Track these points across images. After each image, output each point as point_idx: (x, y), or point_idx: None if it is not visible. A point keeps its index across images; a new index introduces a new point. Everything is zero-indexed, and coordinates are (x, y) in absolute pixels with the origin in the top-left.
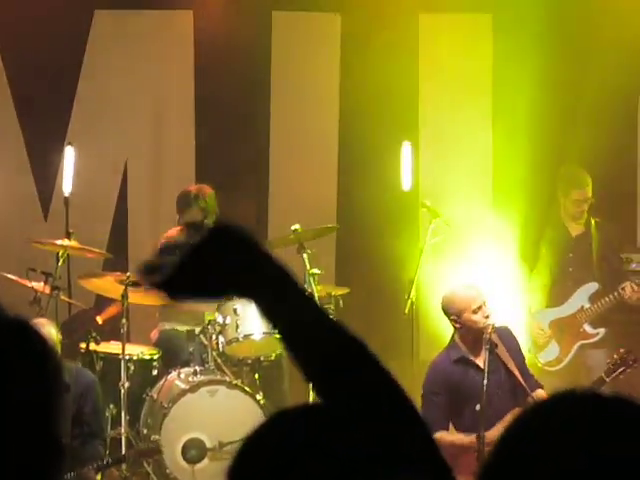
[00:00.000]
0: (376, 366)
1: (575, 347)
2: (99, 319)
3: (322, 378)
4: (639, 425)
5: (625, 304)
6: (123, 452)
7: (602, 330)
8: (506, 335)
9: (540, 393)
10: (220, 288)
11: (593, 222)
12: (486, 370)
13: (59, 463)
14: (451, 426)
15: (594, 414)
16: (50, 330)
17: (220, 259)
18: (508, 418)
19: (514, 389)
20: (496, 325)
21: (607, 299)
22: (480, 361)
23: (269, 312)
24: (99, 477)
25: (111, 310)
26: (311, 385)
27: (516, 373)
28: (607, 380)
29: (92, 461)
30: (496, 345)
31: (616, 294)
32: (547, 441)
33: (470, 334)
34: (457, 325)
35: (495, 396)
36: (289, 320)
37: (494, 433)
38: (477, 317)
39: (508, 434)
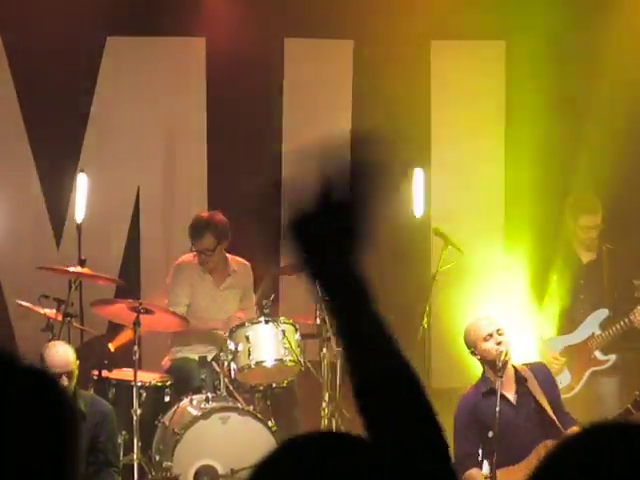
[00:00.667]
0: (425, 408)
1: (586, 374)
2: (111, 346)
3: (372, 405)
4: None
5: (635, 331)
6: None
7: (613, 357)
8: (539, 370)
9: (575, 430)
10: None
11: (604, 248)
12: (498, 396)
13: None
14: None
15: (624, 445)
16: (67, 350)
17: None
18: (532, 456)
19: (544, 424)
20: (523, 361)
21: (618, 326)
22: (510, 393)
23: (344, 314)
24: None
25: (123, 337)
26: (358, 407)
27: (547, 408)
28: (634, 412)
29: None
30: (526, 379)
31: (627, 320)
32: (577, 475)
33: (489, 365)
34: (477, 357)
35: (523, 429)
36: (359, 330)
37: (513, 471)
38: (488, 345)
39: (540, 468)
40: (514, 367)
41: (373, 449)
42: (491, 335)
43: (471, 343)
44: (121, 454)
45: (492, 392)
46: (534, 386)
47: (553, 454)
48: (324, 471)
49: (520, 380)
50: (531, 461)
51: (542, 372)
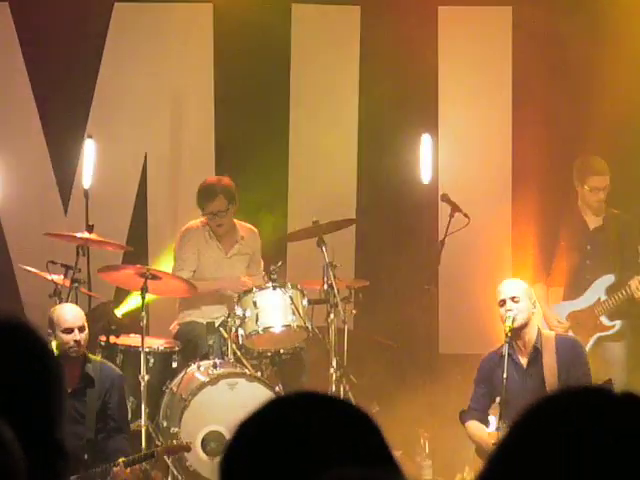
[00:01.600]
0: None
1: (592, 340)
2: (118, 312)
3: None
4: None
5: (635, 298)
6: (152, 449)
7: (619, 322)
8: (566, 345)
9: None
10: None
11: (611, 214)
12: (505, 363)
13: (59, 464)
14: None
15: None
16: (77, 307)
17: None
18: None
19: None
20: (559, 333)
21: (623, 292)
22: (523, 359)
23: None
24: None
25: (130, 303)
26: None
27: (548, 385)
28: None
29: (117, 455)
30: (541, 350)
31: (627, 289)
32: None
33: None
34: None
35: (527, 397)
36: None
37: None
38: (501, 310)
39: (511, 431)
40: (540, 333)
41: (351, 407)
42: (504, 302)
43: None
44: (129, 418)
45: (509, 356)
46: (549, 359)
47: (515, 423)
48: (305, 426)
49: (535, 349)
50: None
51: (567, 348)
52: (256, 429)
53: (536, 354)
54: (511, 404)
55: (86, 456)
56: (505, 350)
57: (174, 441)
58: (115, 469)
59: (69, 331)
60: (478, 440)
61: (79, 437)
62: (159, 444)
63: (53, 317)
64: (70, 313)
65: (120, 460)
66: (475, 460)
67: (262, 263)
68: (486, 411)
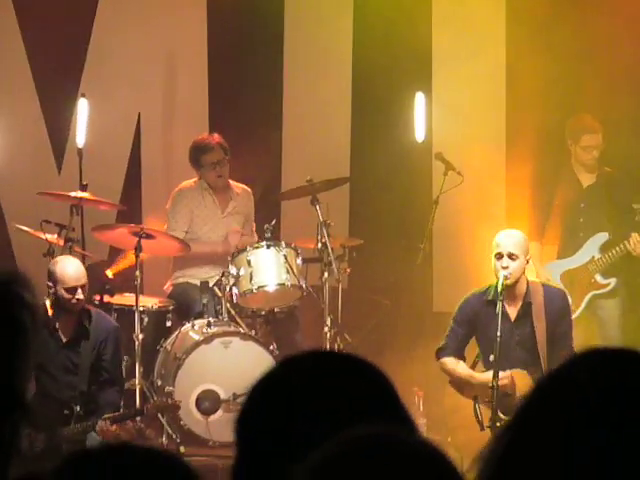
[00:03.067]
0: None
1: (587, 298)
2: (109, 272)
3: None
4: None
5: (633, 255)
6: (141, 406)
7: (613, 280)
8: (555, 298)
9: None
10: None
11: (604, 172)
12: (499, 320)
13: (17, 414)
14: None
15: (612, 371)
16: (79, 264)
17: None
18: (509, 372)
19: (531, 352)
20: (548, 284)
21: (615, 250)
22: (512, 310)
23: None
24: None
25: (121, 263)
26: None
27: (540, 339)
28: None
29: (108, 408)
30: (531, 303)
31: (622, 246)
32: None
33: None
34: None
35: (514, 351)
36: None
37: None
38: (497, 263)
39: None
40: (529, 284)
41: (365, 366)
42: (501, 255)
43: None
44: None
45: (494, 304)
46: (539, 311)
47: (534, 389)
48: (319, 386)
49: (526, 302)
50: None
51: (556, 300)
52: (271, 388)
53: (526, 307)
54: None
55: (78, 408)
56: (499, 307)
57: (163, 399)
58: (100, 424)
59: (72, 290)
60: (456, 375)
61: (72, 388)
62: (151, 403)
63: (56, 272)
64: (74, 271)
65: (106, 416)
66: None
67: (254, 225)
68: (462, 351)
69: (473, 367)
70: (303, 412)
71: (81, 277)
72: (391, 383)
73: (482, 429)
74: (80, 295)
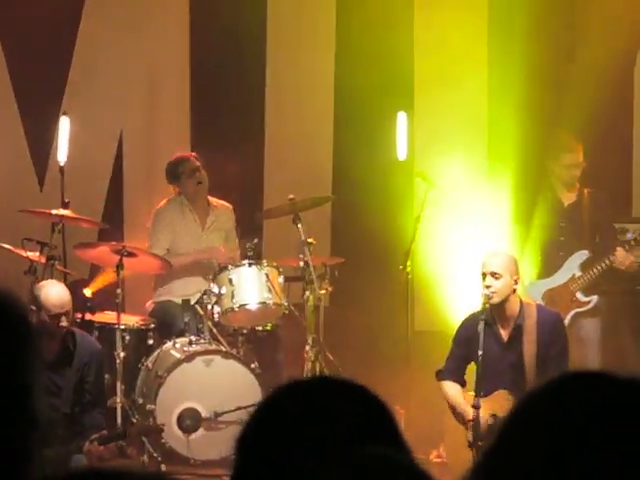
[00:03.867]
0: None
1: (569, 316)
2: (87, 291)
3: None
4: None
5: (615, 272)
6: (125, 427)
7: (595, 298)
8: (548, 320)
9: None
10: None
11: (585, 191)
12: (481, 341)
13: (32, 434)
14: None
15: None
16: (64, 290)
17: None
18: (494, 396)
19: (520, 374)
20: (543, 306)
21: (598, 267)
22: (504, 332)
23: None
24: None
25: (100, 281)
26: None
27: (529, 362)
28: None
29: (92, 430)
30: (522, 326)
31: (607, 261)
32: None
33: None
34: None
35: (505, 373)
36: None
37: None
38: (482, 284)
39: (511, 417)
40: (523, 305)
41: (367, 393)
42: (485, 275)
43: None
44: None
45: (487, 324)
46: (530, 334)
47: (516, 407)
48: (316, 412)
49: (517, 324)
50: (486, 402)
51: (548, 322)
52: (272, 411)
53: (518, 328)
54: (488, 377)
55: (61, 430)
56: (481, 327)
57: (147, 421)
58: (88, 446)
59: (55, 317)
60: (452, 401)
61: (55, 410)
62: (134, 421)
63: (40, 298)
64: (58, 299)
65: (92, 438)
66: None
67: (237, 241)
68: (461, 372)
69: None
70: (298, 438)
71: (65, 304)
72: (389, 409)
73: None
74: (64, 322)
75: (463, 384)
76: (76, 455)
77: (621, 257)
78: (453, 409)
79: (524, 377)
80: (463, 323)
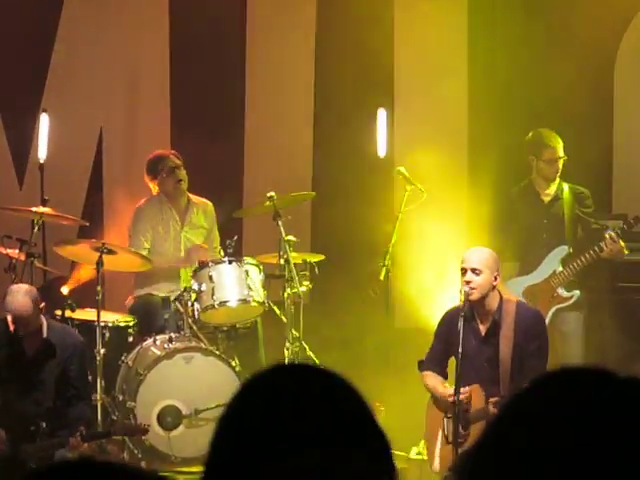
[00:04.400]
0: None
1: (550, 312)
2: (65, 289)
3: None
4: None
5: (601, 264)
6: (109, 427)
7: (577, 292)
8: (527, 318)
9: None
10: None
11: (566, 187)
12: (461, 337)
13: None
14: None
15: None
16: (27, 297)
17: None
18: (469, 389)
19: (495, 370)
20: (520, 302)
21: (586, 256)
22: (483, 327)
23: None
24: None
25: (76, 278)
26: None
27: (505, 359)
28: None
29: (79, 422)
30: (500, 323)
31: (596, 249)
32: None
33: None
34: None
35: (482, 368)
36: None
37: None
38: (461, 279)
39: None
40: (502, 302)
41: (329, 375)
42: (465, 271)
43: None
44: None
45: (467, 319)
46: (507, 330)
47: (503, 411)
48: (285, 402)
49: (495, 318)
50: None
51: (527, 319)
52: (249, 397)
53: (495, 324)
54: (466, 372)
55: (44, 424)
56: (460, 324)
57: (128, 418)
58: (72, 440)
59: (13, 320)
60: (432, 390)
61: (38, 404)
62: (115, 418)
63: (6, 300)
64: (17, 306)
65: (78, 433)
66: (430, 408)
67: (218, 239)
68: (443, 365)
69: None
70: (271, 430)
71: (23, 311)
72: (362, 397)
73: (447, 443)
74: (20, 328)
75: (445, 376)
76: (60, 450)
77: (611, 242)
78: (434, 397)
79: (495, 371)
80: (443, 318)
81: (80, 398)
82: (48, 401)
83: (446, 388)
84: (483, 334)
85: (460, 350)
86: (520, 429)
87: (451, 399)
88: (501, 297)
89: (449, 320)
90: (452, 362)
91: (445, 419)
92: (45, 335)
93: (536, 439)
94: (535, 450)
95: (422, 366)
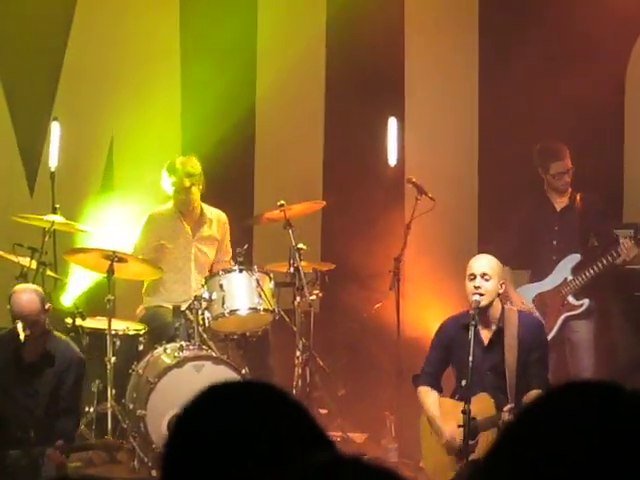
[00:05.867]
0: None
1: (560, 320)
2: (66, 300)
3: None
4: None
5: (609, 272)
6: (86, 442)
7: (586, 301)
8: (530, 326)
9: (531, 395)
10: None
11: (578, 196)
12: (472, 344)
13: None
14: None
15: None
16: (32, 297)
17: None
18: (475, 399)
19: (499, 378)
20: (522, 310)
21: (598, 266)
22: (485, 336)
23: None
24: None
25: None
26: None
27: (510, 367)
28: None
29: (61, 436)
30: (503, 330)
31: (613, 253)
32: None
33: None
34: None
35: (485, 377)
36: None
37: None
38: (469, 285)
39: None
40: (504, 310)
41: (287, 398)
42: (474, 276)
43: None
44: (95, 402)
45: (469, 327)
46: (511, 338)
47: (517, 420)
48: (238, 415)
49: (499, 326)
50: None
51: (530, 328)
52: (193, 420)
53: (499, 332)
54: (464, 376)
55: (32, 432)
56: (472, 333)
57: (139, 426)
58: (49, 452)
59: (19, 322)
60: (429, 413)
61: (30, 412)
62: (125, 426)
63: (12, 299)
64: (21, 307)
65: (57, 444)
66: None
67: (230, 252)
68: (439, 376)
69: (453, 396)
70: (219, 447)
71: (30, 310)
72: (307, 410)
73: (449, 454)
74: (27, 331)
75: (440, 390)
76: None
77: (627, 247)
78: (429, 420)
79: (505, 381)
80: (441, 326)
81: (68, 412)
82: (39, 410)
83: (445, 405)
84: (486, 343)
85: (471, 359)
86: (534, 439)
87: (443, 441)
88: (503, 306)
89: (449, 328)
90: (451, 372)
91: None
92: (46, 344)
93: (550, 449)
94: (549, 460)
95: (417, 380)
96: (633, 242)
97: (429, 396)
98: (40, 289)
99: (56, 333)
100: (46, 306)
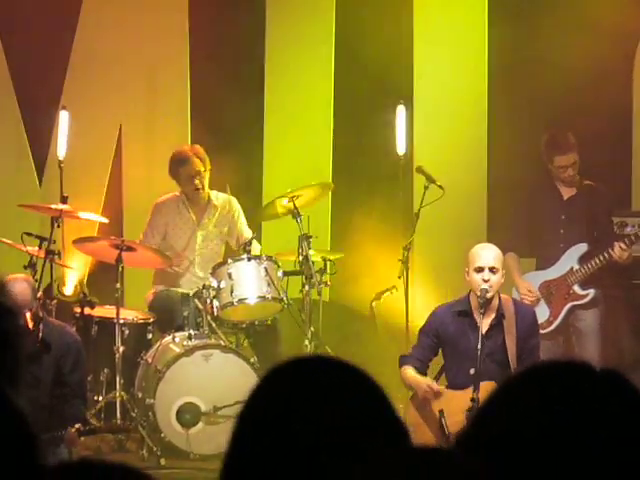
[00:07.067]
0: None
1: (565, 309)
2: (66, 290)
3: None
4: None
5: (614, 266)
6: (94, 425)
7: (592, 291)
8: (525, 314)
9: None
10: None
11: (585, 185)
12: (480, 335)
13: (23, 437)
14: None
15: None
16: (23, 288)
17: None
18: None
19: (501, 365)
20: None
21: (596, 260)
22: (484, 323)
23: None
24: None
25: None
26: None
27: (511, 352)
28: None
29: (72, 421)
30: (504, 316)
31: (606, 255)
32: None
33: (473, 292)
34: (467, 278)
35: (483, 363)
36: None
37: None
38: (476, 277)
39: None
40: (501, 298)
41: (346, 367)
42: (482, 269)
43: (467, 264)
44: (103, 391)
45: (465, 314)
46: (510, 326)
47: (492, 398)
48: (316, 393)
49: (499, 315)
50: (469, 393)
51: (526, 316)
52: (267, 392)
53: (499, 319)
54: (465, 367)
55: (39, 421)
56: (480, 322)
57: (147, 415)
58: (70, 432)
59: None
60: (411, 380)
61: (34, 402)
62: (134, 415)
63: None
64: (15, 295)
65: (76, 426)
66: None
67: (245, 232)
68: (427, 362)
69: (436, 380)
70: (294, 419)
71: (22, 299)
72: (381, 388)
73: (448, 442)
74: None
75: (425, 374)
76: (58, 448)
77: (619, 252)
78: (409, 381)
79: (504, 367)
80: (432, 313)
81: (74, 396)
82: (44, 399)
83: (454, 396)
84: (485, 330)
85: (479, 347)
86: (500, 418)
87: (428, 387)
88: (499, 294)
89: (441, 316)
90: (445, 359)
91: (443, 418)
92: (42, 332)
93: (514, 426)
94: (510, 439)
95: (403, 360)
96: (627, 246)
97: (411, 370)
98: (30, 277)
99: (50, 319)
100: (38, 295)
